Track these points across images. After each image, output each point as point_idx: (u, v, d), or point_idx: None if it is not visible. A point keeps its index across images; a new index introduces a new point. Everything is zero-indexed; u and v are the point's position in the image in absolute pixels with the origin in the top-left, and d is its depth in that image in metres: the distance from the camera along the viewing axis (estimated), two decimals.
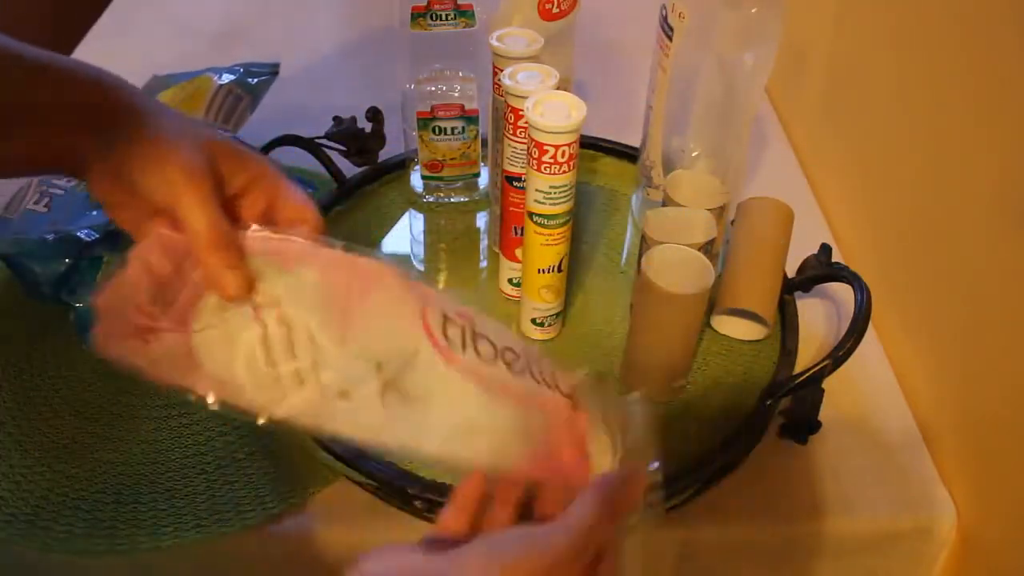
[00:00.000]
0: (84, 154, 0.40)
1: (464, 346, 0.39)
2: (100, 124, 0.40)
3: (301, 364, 0.38)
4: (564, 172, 0.53)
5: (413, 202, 0.75)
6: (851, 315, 0.56)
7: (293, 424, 0.37)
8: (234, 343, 0.38)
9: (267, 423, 0.37)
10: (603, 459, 0.42)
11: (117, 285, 0.38)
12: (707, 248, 0.57)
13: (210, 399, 0.37)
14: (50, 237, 0.61)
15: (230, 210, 0.40)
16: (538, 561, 0.33)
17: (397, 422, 0.38)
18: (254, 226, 0.40)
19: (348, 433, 0.38)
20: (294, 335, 0.38)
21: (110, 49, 1.00)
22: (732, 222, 0.66)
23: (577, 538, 0.34)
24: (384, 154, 0.75)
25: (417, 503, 0.53)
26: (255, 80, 0.74)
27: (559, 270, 0.59)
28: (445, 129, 0.70)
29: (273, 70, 0.76)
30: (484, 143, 0.70)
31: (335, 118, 0.73)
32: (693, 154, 0.64)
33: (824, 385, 0.56)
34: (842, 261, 0.68)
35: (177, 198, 0.38)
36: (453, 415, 0.39)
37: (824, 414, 0.57)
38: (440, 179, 0.73)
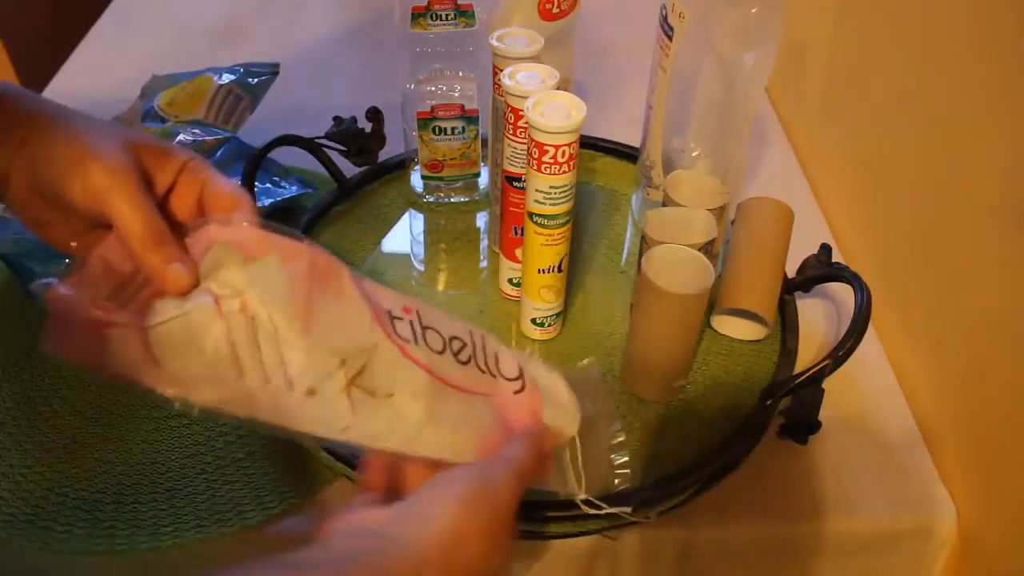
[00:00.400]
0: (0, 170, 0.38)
1: (416, 339, 0.40)
2: (10, 136, 0.38)
3: (266, 359, 0.36)
4: (564, 172, 0.53)
5: (413, 202, 0.75)
6: (851, 315, 0.56)
7: (257, 424, 0.36)
8: (195, 337, 0.35)
9: (232, 422, 0.36)
10: (565, 428, 0.44)
11: (74, 281, 0.36)
12: (707, 248, 0.57)
13: (170, 396, 0.35)
14: None
15: (161, 207, 0.39)
16: (488, 491, 0.36)
17: (364, 419, 0.38)
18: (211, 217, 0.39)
19: (316, 432, 0.37)
20: (258, 327, 0.36)
21: (110, 49, 1.00)
22: (732, 222, 0.66)
23: (516, 470, 0.38)
24: (384, 154, 0.75)
25: None
26: (255, 80, 0.74)
27: (559, 270, 0.59)
28: (445, 129, 0.70)
29: (273, 70, 0.76)
30: (484, 143, 0.70)
31: (335, 118, 0.73)
32: (693, 154, 0.64)
33: (824, 385, 0.56)
34: (842, 261, 0.68)
35: (105, 201, 0.36)
36: (414, 410, 0.39)
37: (824, 414, 0.57)
38: (440, 179, 0.73)
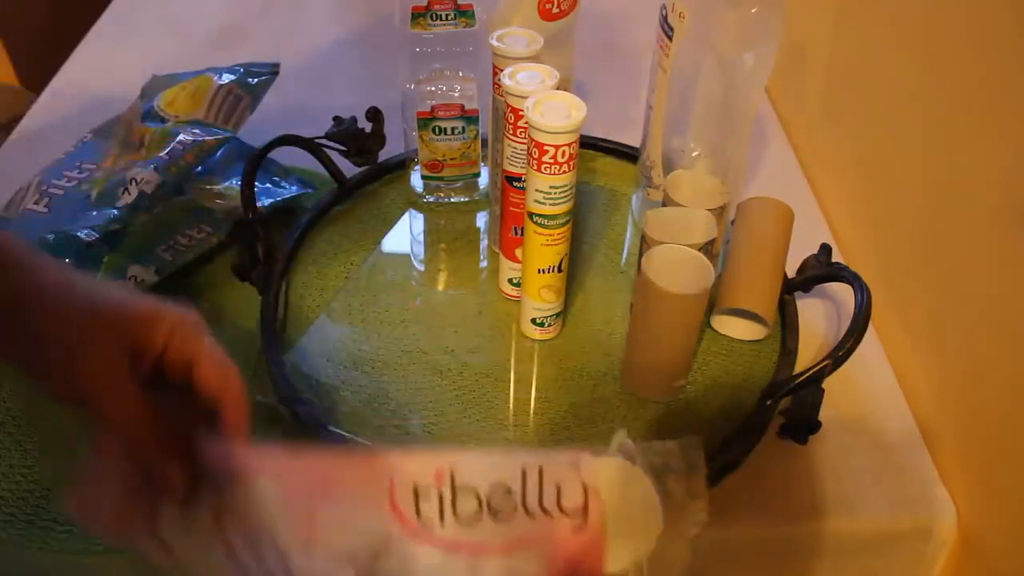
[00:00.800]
0: None
1: (442, 518, 0.38)
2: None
3: (272, 567, 0.38)
4: (564, 172, 0.53)
5: (413, 202, 0.75)
6: (851, 315, 0.56)
7: None
8: (198, 542, 0.39)
9: None
10: (632, 549, 0.38)
11: (89, 482, 0.40)
12: (707, 248, 0.57)
13: None
14: (50, 237, 0.61)
15: (155, 367, 0.39)
16: None
17: None
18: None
19: None
20: (260, 541, 0.38)
21: (110, 49, 1.00)
22: (732, 222, 0.66)
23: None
24: (384, 154, 0.75)
25: None
26: (255, 80, 0.74)
27: (559, 270, 0.59)
28: (445, 129, 0.70)
29: (273, 70, 0.76)
30: (484, 143, 0.70)
31: (335, 118, 0.73)
32: (693, 154, 0.64)
33: (824, 385, 0.56)
34: (842, 261, 0.68)
35: (95, 395, 0.36)
36: None
37: (824, 414, 0.57)
38: (440, 179, 0.73)
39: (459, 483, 0.38)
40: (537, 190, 0.54)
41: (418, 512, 0.38)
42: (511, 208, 0.60)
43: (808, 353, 0.63)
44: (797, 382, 0.55)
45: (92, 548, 0.52)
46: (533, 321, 0.62)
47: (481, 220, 0.74)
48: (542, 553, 0.38)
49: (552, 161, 0.52)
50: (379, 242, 0.72)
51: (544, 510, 0.38)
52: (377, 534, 0.38)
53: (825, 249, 0.64)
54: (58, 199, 0.67)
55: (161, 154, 0.65)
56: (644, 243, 0.58)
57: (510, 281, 0.65)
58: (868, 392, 0.63)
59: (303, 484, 0.39)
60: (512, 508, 0.38)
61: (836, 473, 0.58)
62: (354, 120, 0.73)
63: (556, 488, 0.38)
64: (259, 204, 0.67)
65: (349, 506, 0.38)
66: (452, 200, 0.75)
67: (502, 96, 0.57)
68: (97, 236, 0.61)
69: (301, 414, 0.55)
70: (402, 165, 0.76)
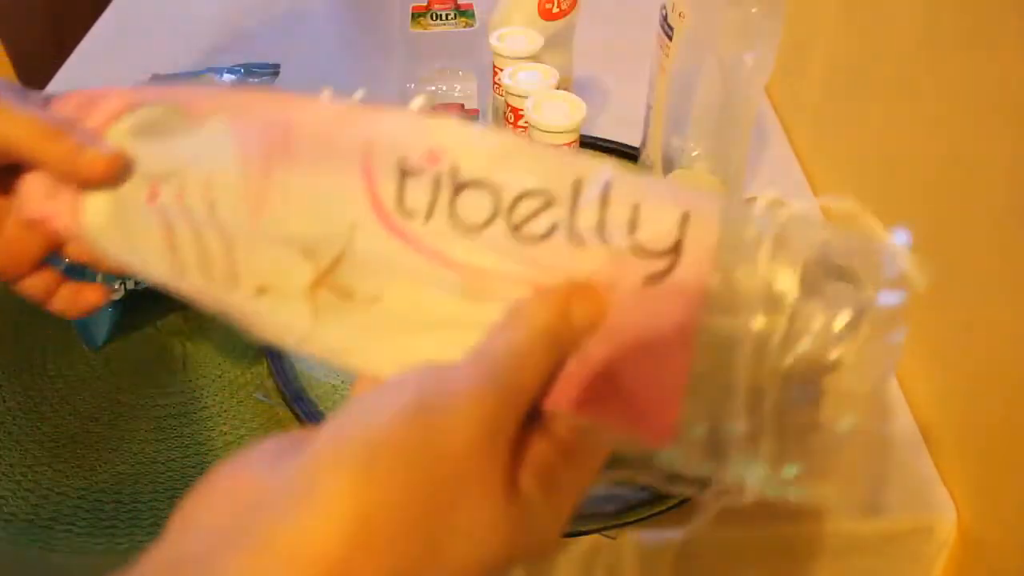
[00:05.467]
0: None
1: (431, 212, 0.26)
2: None
3: (211, 252, 0.29)
4: None
5: None
6: None
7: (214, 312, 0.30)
8: (131, 233, 0.31)
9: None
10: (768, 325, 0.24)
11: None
12: None
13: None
14: None
15: None
16: (436, 419, 0.22)
17: (331, 329, 0.28)
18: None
19: (273, 340, 0.29)
20: (197, 213, 0.29)
21: (110, 49, 1.00)
22: None
23: (517, 366, 0.23)
24: None
25: None
26: (256, 80, 0.74)
27: None
28: None
29: (273, 70, 0.76)
30: None
31: None
32: (693, 154, 0.64)
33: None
34: None
35: None
36: (415, 320, 0.27)
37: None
38: None
39: (467, 176, 0.26)
40: None
41: (400, 199, 0.26)
42: None
43: None
44: None
45: (92, 547, 0.52)
46: None
47: None
48: (584, 302, 0.25)
49: None
50: None
51: (603, 239, 0.25)
52: (341, 222, 0.27)
53: None
54: None
55: None
56: None
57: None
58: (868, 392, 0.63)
59: (261, 126, 0.29)
60: (549, 227, 0.25)
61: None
62: None
63: (631, 210, 0.24)
64: None
65: (310, 170, 0.28)
66: None
67: (502, 96, 0.57)
68: None
69: (302, 414, 0.55)
70: None
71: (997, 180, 0.53)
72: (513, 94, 0.55)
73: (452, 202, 0.26)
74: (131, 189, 0.31)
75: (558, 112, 0.51)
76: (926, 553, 0.58)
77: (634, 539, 0.55)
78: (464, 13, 0.66)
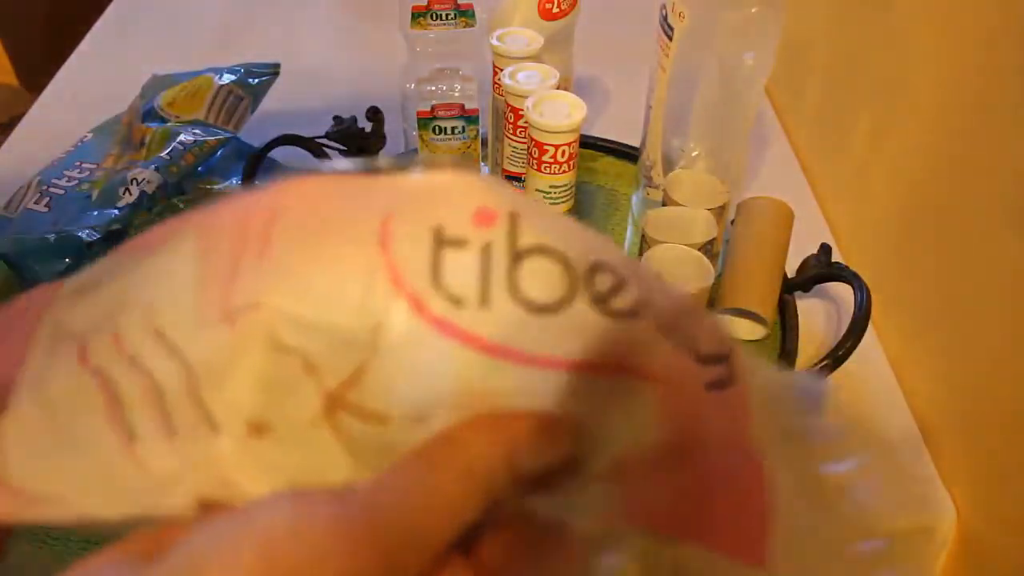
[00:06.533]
0: None
1: (486, 293, 0.19)
2: None
3: (168, 387, 0.20)
4: (564, 172, 0.53)
5: None
6: (851, 315, 0.56)
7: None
8: (59, 422, 0.21)
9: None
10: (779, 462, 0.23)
11: None
12: (707, 248, 0.57)
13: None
14: (50, 237, 0.61)
15: None
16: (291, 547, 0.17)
17: (369, 459, 0.20)
18: None
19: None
20: (142, 350, 0.20)
21: (110, 49, 1.00)
22: (732, 222, 0.66)
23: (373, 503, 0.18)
24: (384, 154, 0.75)
25: None
26: (256, 80, 0.74)
27: None
28: (445, 129, 0.69)
29: (273, 70, 0.76)
30: (484, 143, 0.70)
31: (335, 118, 0.73)
32: (693, 154, 0.64)
33: None
34: (842, 261, 0.68)
35: None
36: None
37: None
38: None
39: (530, 239, 0.20)
40: (537, 190, 0.54)
41: (438, 281, 0.19)
42: None
43: (808, 353, 0.63)
44: None
45: (92, 547, 0.52)
46: None
47: None
48: (660, 396, 0.21)
49: (552, 161, 0.52)
50: None
51: (665, 335, 0.21)
52: (356, 325, 0.19)
53: (825, 249, 0.64)
54: (58, 199, 0.67)
55: (162, 154, 0.65)
56: (644, 243, 0.58)
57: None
58: (868, 392, 0.63)
59: (229, 224, 0.20)
60: (632, 306, 0.20)
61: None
62: (354, 120, 0.73)
63: (687, 316, 0.22)
64: None
65: (301, 262, 0.19)
66: None
67: (502, 96, 0.57)
68: (98, 236, 0.61)
69: None
70: None
71: (998, 178, 0.53)
72: (513, 94, 0.55)
73: (515, 269, 0.19)
74: (57, 363, 0.21)
75: (558, 112, 0.51)
76: (926, 553, 0.58)
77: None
78: (464, 13, 0.66)
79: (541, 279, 0.19)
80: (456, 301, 0.19)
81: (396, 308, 0.19)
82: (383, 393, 0.19)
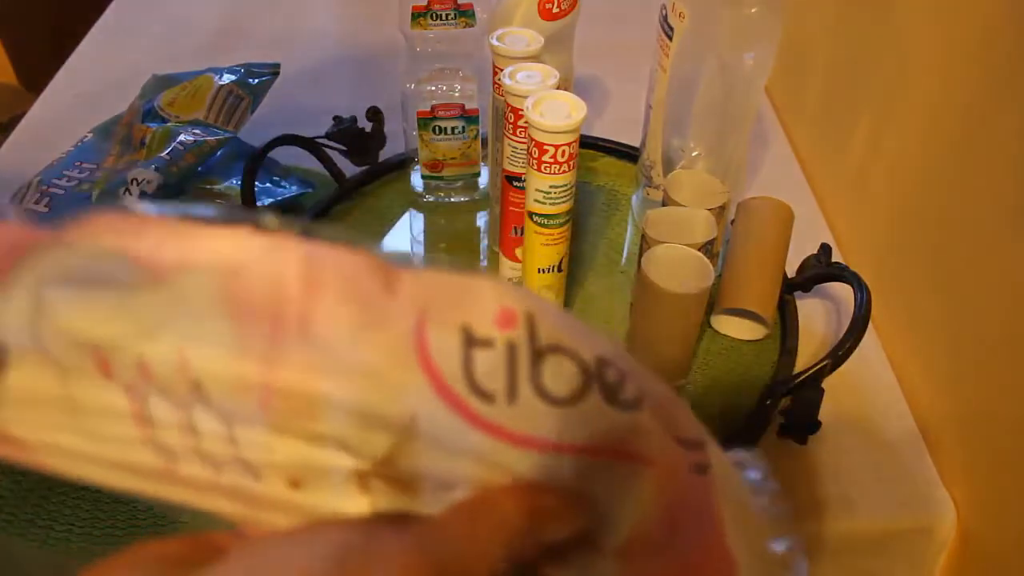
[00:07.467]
0: None
1: (513, 389, 0.21)
2: None
3: (208, 432, 0.21)
4: (564, 172, 0.53)
5: (413, 202, 0.75)
6: (851, 315, 0.56)
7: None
8: (77, 412, 0.22)
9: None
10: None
11: None
12: (707, 248, 0.57)
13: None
14: None
15: None
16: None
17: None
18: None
19: None
20: (177, 394, 0.21)
21: (110, 49, 1.00)
22: (732, 222, 0.66)
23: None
24: (384, 154, 0.75)
25: None
26: (256, 80, 0.74)
27: (559, 270, 0.59)
28: (445, 129, 0.70)
29: (273, 70, 0.76)
30: (484, 143, 0.70)
31: (335, 118, 0.73)
32: (693, 154, 0.64)
33: (824, 385, 0.56)
34: (842, 261, 0.69)
35: None
36: None
37: (824, 414, 0.57)
38: (440, 179, 0.73)
39: (546, 338, 0.21)
40: (537, 190, 0.54)
41: (471, 378, 0.21)
42: (511, 208, 0.60)
43: (808, 353, 0.63)
44: (797, 382, 0.55)
45: (92, 547, 0.52)
46: None
47: (481, 220, 0.74)
48: (652, 476, 0.23)
49: (552, 161, 0.52)
50: (379, 242, 0.72)
51: (659, 422, 0.24)
52: (393, 412, 0.20)
53: (825, 249, 0.64)
54: (58, 199, 0.67)
55: (162, 154, 0.65)
56: (644, 243, 0.58)
57: (510, 281, 0.65)
58: (868, 392, 0.63)
59: (267, 282, 0.20)
60: (634, 397, 0.23)
61: (836, 473, 0.58)
62: (354, 120, 0.73)
63: (669, 405, 0.24)
64: (259, 204, 0.67)
65: (343, 347, 0.20)
66: (452, 200, 0.75)
67: (502, 96, 0.57)
68: None
69: None
70: (402, 165, 0.76)
71: (998, 179, 0.53)
72: (513, 94, 0.55)
73: (536, 367, 0.21)
74: (70, 358, 0.21)
75: (558, 112, 0.51)
76: (926, 553, 0.58)
77: None
78: (464, 13, 0.66)
79: (560, 375, 0.21)
80: (487, 397, 0.21)
81: (431, 401, 0.20)
82: (413, 469, 0.21)
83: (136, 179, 0.63)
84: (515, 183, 0.59)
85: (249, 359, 0.20)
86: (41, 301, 0.21)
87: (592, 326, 0.23)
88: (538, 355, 0.21)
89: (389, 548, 0.20)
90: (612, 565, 0.23)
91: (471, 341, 0.21)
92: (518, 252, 0.61)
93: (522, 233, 0.58)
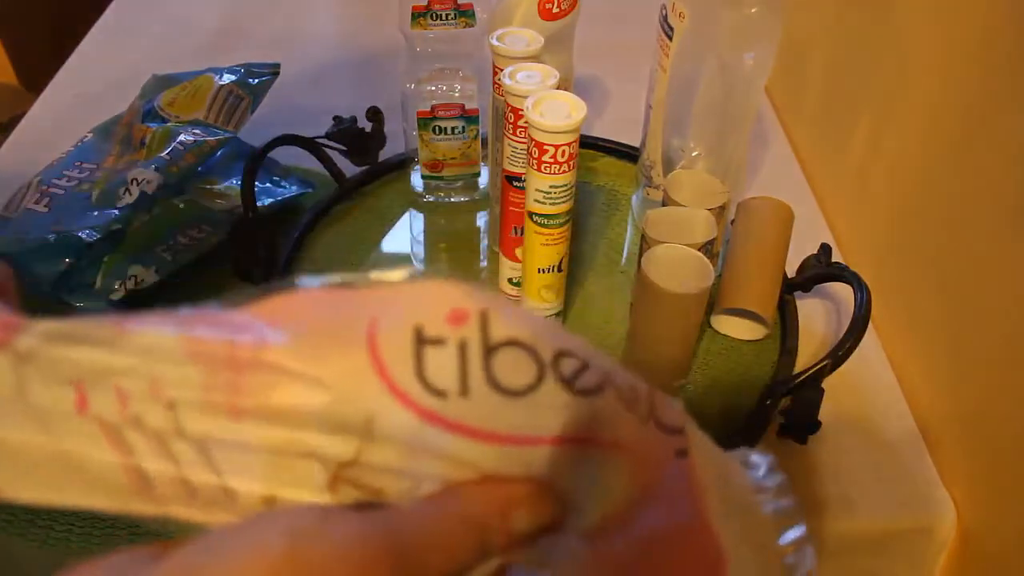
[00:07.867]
0: None
1: (465, 384, 0.22)
2: None
3: (184, 458, 0.22)
4: (564, 172, 0.53)
5: (413, 202, 0.75)
6: (851, 315, 0.56)
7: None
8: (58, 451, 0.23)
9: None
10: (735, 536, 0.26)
11: None
12: (707, 248, 0.57)
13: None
14: (50, 237, 0.61)
15: None
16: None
17: None
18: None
19: None
20: (152, 420, 0.22)
21: (110, 49, 1.00)
22: (732, 222, 0.66)
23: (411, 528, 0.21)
24: (384, 154, 0.75)
25: None
26: (256, 80, 0.74)
27: (559, 270, 0.59)
28: (445, 129, 0.70)
29: (273, 70, 0.76)
30: (484, 143, 0.70)
31: (335, 118, 0.73)
32: (693, 154, 0.64)
33: (824, 385, 0.56)
34: (842, 261, 0.69)
35: None
36: None
37: (824, 414, 0.57)
38: (440, 179, 0.73)
39: (500, 333, 0.22)
40: (537, 190, 0.54)
41: (422, 376, 0.21)
42: (511, 208, 0.60)
43: (808, 353, 0.63)
44: (797, 382, 0.55)
45: (92, 548, 0.52)
46: None
47: (481, 220, 0.74)
48: (629, 462, 0.24)
49: (552, 161, 0.52)
50: (379, 242, 0.72)
51: (632, 407, 0.24)
52: (354, 414, 0.21)
53: (825, 249, 0.64)
54: (58, 199, 0.67)
55: (162, 154, 0.65)
56: (644, 243, 0.58)
57: (510, 281, 0.65)
58: (868, 392, 0.63)
59: (225, 328, 0.22)
60: (596, 384, 0.23)
61: (836, 473, 0.58)
62: (354, 120, 0.73)
63: (647, 393, 0.25)
64: (259, 204, 0.67)
65: (306, 353, 0.21)
66: (452, 200, 0.75)
67: (502, 96, 0.57)
68: (98, 236, 0.61)
69: None
70: (402, 165, 0.76)
71: (998, 179, 0.53)
72: (513, 94, 0.55)
73: (488, 362, 0.22)
74: (52, 398, 0.23)
75: (558, 112, 0.51)
76: (926, 553, 0.58)
77: None
78: (464, 13, 0.66)
79: (513, 367, 0.22)
80: (439, 394, 0.21)
81: (386, 402, 0.21)
82: (378, 471, 0.22)
83: (136, 179, 0.63)
84: (515, 183, 0.59)
85: (214, 381, 0.21)
86: (28, 350, 0.23)
87: (556, 324, 0.24)
88: (491, 350, 0.22)
89: (346, 530, 0.20)
90: (578, 545, 0.24)
91: (422, 340, 0.21)
92: (518, 252, 0.61)
93: (522, 233, 0.58)
